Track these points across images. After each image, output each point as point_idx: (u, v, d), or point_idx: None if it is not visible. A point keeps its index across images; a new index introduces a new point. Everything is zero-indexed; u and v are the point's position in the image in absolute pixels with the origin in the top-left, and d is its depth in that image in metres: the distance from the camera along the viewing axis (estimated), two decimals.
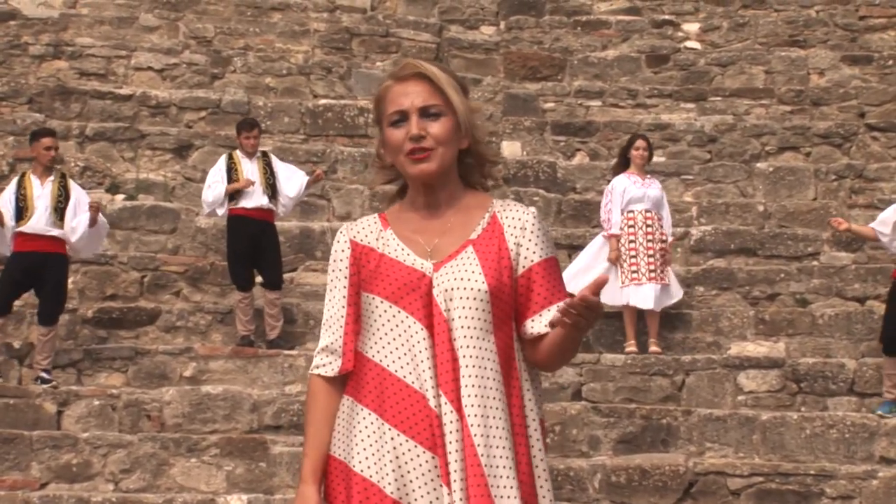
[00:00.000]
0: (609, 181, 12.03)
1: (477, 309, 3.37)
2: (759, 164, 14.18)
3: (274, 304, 11.50)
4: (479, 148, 3.55)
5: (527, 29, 16.28)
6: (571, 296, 3.36)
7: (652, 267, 11.36)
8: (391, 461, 3.35)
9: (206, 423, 10.23)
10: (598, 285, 3.23)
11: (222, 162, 11.77)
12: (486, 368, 3.36)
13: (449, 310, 3.38)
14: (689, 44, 16.22)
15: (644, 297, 11.31)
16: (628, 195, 11.55)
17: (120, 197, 13.46)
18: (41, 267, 10.73)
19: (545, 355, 3.44)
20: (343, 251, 3.54)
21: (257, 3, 16.48)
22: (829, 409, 10.60)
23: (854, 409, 10.58)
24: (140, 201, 13.34)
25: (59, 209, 10.83)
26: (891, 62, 15.57)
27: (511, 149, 14.35)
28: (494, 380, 3.37)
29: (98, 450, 9.68)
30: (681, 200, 13.59)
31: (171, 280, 12.28)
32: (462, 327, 3.37)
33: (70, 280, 11.59)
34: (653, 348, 11.28)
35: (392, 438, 3.36)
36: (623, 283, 11.36)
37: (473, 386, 3.34)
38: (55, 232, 10.81)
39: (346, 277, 3.52)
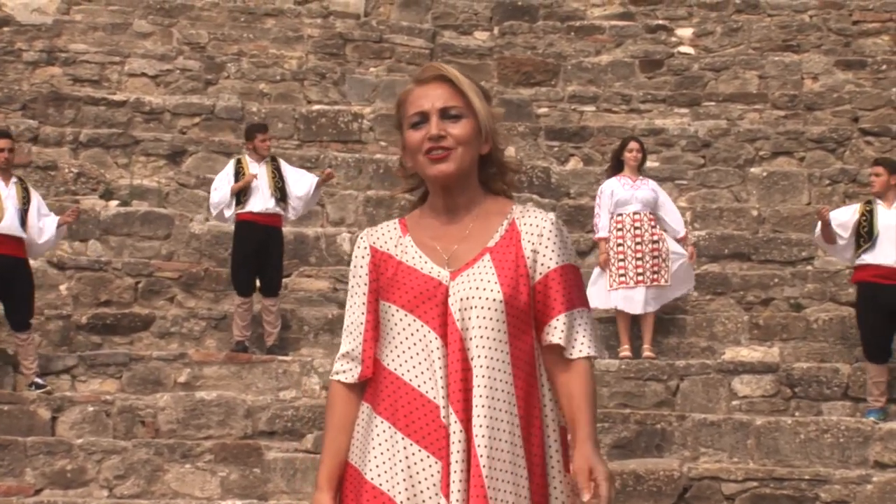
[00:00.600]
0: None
1: (492, 318, 3.33)
2: (752, 169, 14.19)
3: (270, 310, 11.48)
4: (499, 155, 3.51)
5: (520, 34, 16.29)
6: (588, 305, 3.39)
7: (640, 270, 11.33)
8: (403, 470, 3.33)
9: (200, 428, 10.22)
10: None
11: (230, 166, 11.77)
12: (498, 380, 3.33)
13: (464, 319, 3.34)
14: (682, 49, 16.23)
15: (633, 301, 11.29)
16: (616, 197, 11.53)
17: (114, 203, 13.45)
18: (12, 270, 10.66)
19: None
20: (363, 257, 3.51)
21: (251, 9, 16.48)
22: (823, 413, 10.60)
23: (848, 413, 10.58)
24: (134, 207, 13.33)
25: (24, 211, 10.79)
26: (884, 67, 15.58)
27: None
28: (506, 391, 3.33)
29: (92, 456, 9.67)
30: (675, 205, 13.58)
31: (166, 286, 12.27)
32: (477, 336, 3.33)
33: (64, 286, 11.57)
34: (646, 354, 11.26)
35: (405, 448, 3.33)
36: (611, 286, 11.34)
37: (484, 397, 3.30)
38: (23, 234, 10.77)
39: (365, 284, 3.49)
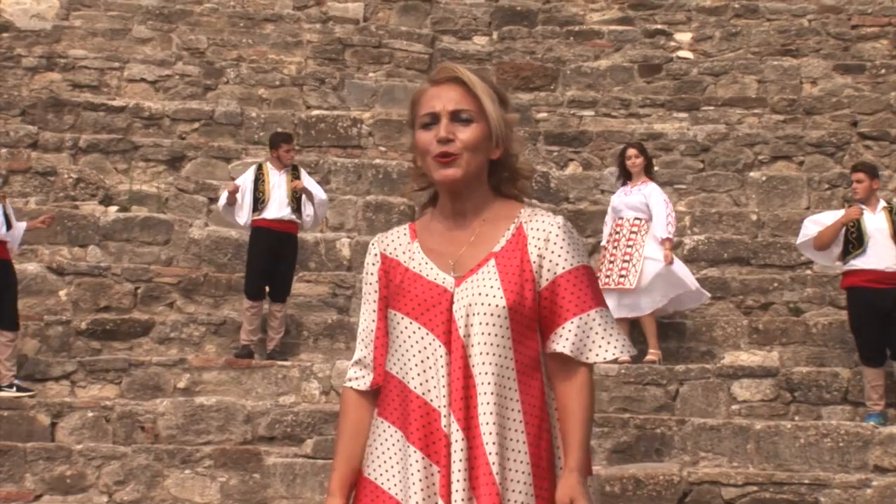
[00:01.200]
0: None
1: (495, 325, 3.30)
2: (752, 174, 14.19)
3: (276, 315, 11.53)
4: (511, 161, 3.46)
5: (519, 39, 16.30)
6: (605, 304, 3.37)
7: (609, 273, 11.31)
8: (415, 483, 3.31)
9: (199, 434, 10.22)
10: None
11: (251, 172, 11.85)
12: (504, 387, 3.31)
13: (467, 326, 3.31)
14: (681, 53, 16.24)
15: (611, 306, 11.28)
16: (612, 205, 11.71)
17: (113, 209, 13.45)
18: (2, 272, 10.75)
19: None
20: (373, 264, 3.51)
21: (250, 15, 16.50)
22: (822, 418, 10.60)
23: (848, 417, 10.57)
24: (133, 213, 13.33)
25: (6, 214, 10.89)
26: (883, 71, 15.59)
27: None
28: (512, 399, 3.31)
29: (92, 461, 9.67)
30: (674, 210, 13.57)
31: (165, 291, 12.26)
32: (480, 343, 3.30)
33: (63, 292, 11.56)
34: (648, 357, 11.20)
35: (412, 454, 3.32)
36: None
37: (489, 404, 3.28)
38: (7, 238, 10.85)
39: (375, 291, 3.49)
